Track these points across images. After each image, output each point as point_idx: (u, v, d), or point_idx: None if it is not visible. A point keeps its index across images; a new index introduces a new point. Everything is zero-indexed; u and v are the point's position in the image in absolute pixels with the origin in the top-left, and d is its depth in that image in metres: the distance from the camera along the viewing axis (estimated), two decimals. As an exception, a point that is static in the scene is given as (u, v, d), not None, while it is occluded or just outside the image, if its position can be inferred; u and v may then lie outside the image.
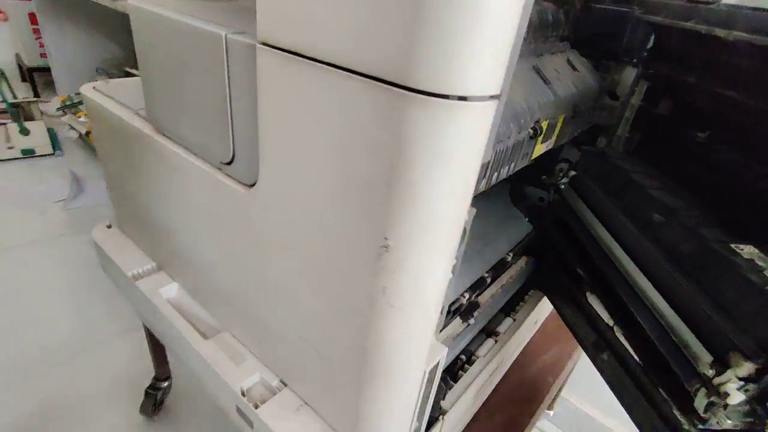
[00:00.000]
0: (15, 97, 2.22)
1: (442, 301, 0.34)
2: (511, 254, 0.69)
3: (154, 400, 1.00)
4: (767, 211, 0.46)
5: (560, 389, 1.01)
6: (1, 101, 2.06)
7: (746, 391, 0.33)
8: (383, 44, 0.24)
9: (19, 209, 1.68)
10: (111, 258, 0.64)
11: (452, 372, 0.62)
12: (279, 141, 0.34)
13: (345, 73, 0.26)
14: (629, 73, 0.66)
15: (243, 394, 0.48)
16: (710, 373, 0.35)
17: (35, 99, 2.30)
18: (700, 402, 0.35)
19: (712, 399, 0.34)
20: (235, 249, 0.45)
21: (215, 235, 0.47)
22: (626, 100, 0.68)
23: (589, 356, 0.62)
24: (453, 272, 0.36)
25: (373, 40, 0.24)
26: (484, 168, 0.37)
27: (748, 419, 0.35)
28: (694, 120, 0.59)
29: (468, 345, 0.66)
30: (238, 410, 0.49)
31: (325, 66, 0.27)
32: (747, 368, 0.33)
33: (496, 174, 0.43)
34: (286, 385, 0.49)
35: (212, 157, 0.43)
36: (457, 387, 0.59)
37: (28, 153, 2.00)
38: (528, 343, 0.86)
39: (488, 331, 0.69)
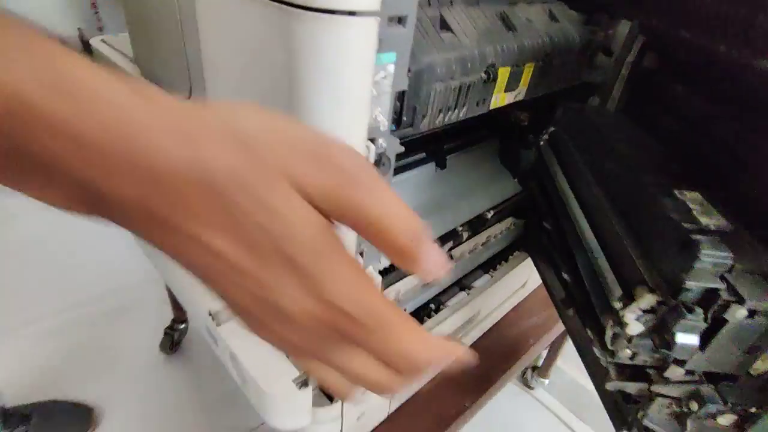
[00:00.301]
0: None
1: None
2: (492, 211, 0.70)
3: (171, 339, 1.10)
4: (734, 164, 0.45)
5: (554, 358, 1.01)
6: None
7: (645, 321, 0.34)
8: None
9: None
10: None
11: (418, 317, 0.64)
12: (216, 70, 0.37)
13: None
14: (624, 28, 0.64)
15: (210, 315, 0.53)
16: (618, 306, 0.35)
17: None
18: (608, 335, 0.36)
19: (615, 330, 0.35)
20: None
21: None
22: (620, 57, 0.66)
23: (559, 315, 0.63)
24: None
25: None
26: (404, 99, 0.38)
27: (656, 354, 0.36)
28: (679, 75, 0.57)
29: (439, 295, 0.68)
30: (207, 329, 0.54)
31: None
32: (649, 300, 0.34)
33: (439, 114, 0.44)
34: (249, 309, 0.54)
35: (179, 94, 0.47)
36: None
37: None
38: (517, 307, 0.86)
39: (462, 286, 0.70)
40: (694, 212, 0.37)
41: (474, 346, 0.76)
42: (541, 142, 0.65)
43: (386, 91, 0.33)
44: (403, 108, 0.39)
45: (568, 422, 1.03)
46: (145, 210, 0.15)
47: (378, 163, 0.38)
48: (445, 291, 0.69)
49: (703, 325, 0.32)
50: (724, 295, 0.31)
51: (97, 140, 0.14)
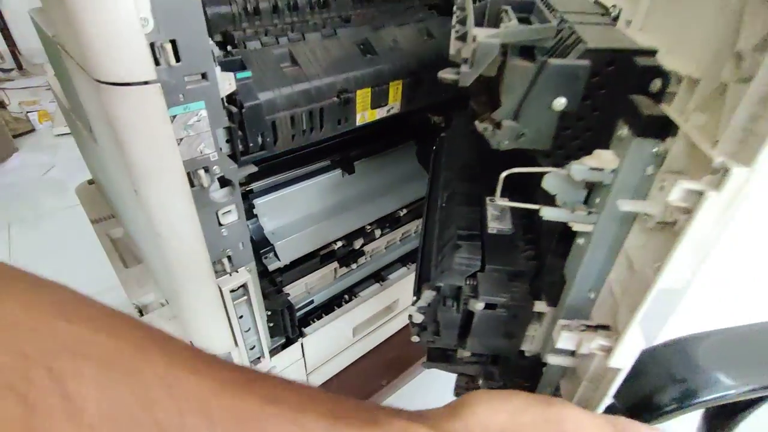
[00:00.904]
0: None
1: (200, 238, 0.45)
2: (404, 210, 0.76)
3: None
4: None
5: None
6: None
7: (423, 313, 0.41)
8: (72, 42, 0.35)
9: (86, 174, 2.02)
10: (84, 208, 0.83)
11: (330, 306, 0.72)
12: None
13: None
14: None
15: (137, 309, 0.64)
16: (413, 300, 0.42)
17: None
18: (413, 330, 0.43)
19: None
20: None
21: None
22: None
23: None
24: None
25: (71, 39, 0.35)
26: (237, 132, 0.46)
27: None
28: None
29: (354, 287, 0.76)
30: (137, 320, 0.65)
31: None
32: (427, 296, 0.40)
33: (293, 136, 0.51)
34: (168, 303, 0.64)
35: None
36: (327, 318, 0.70)
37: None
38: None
39: (378, 278, 0.78)
40: (489, 218, 0.44)
41: (397, 334, 0.83)
42: (434, 147, 0.71)
43: (205, 130, 0.41)
44: (246, 137, 0.47)
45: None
46: None
47: (223, 184, 0.46)
48: (359, 283, 0.76)
49: (458, 316, 0.39)
50: (466, 291, 0.37)
51: None
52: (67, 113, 0.70)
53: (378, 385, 0.76)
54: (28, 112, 2.42)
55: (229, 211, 0.47)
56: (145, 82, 0.35)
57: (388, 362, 0.79)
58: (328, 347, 0.73)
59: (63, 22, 0.36)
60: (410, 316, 0.42)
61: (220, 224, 0.47)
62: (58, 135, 2.32)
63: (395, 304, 0.80)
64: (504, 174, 0.30)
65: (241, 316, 0.55)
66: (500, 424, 0.24)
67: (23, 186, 1.94)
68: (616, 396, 0.31)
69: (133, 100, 0.35)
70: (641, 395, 0.33)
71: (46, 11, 0.54)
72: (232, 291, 0.51)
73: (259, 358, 0.61)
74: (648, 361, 0.30)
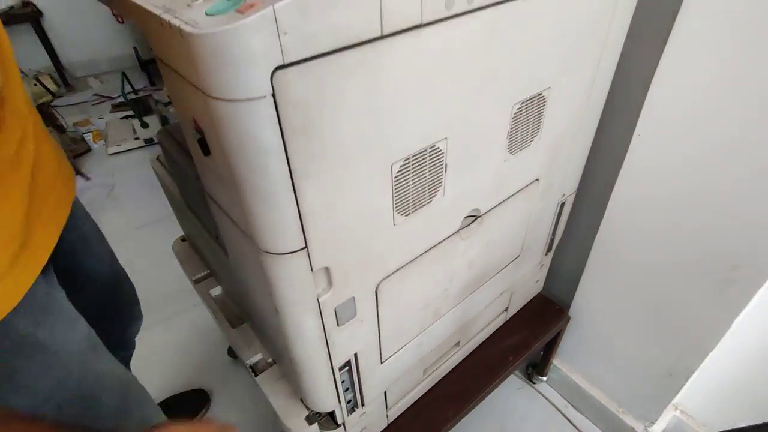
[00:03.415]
0: (136, 93, 2.73)
1: (323, 341, 0.56)
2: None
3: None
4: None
5: (550, 359, 1.17)
6: (122, 97, 2.55)
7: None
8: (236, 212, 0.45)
9: (147, 191, 2.18)
10: (183, 266, 0.96)
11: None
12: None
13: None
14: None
15: (251, 368, 0.76)
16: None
17: (148, 94, 2.79)
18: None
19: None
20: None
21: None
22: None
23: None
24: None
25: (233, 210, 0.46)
26: None
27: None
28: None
29: (423, 334, 0.86)
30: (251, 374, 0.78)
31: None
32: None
33: None
34: (275, 362, 0.76)
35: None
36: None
37: (149, 141, 2.50)
38: (499, 329, 1.03)
39: (443, 324, 0.88)
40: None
41: (459, 366, 0.94)
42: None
43: (330, 263, 0.52)
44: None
45: (563, 410, 1.20)
46: None
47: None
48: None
49: None
50: None
51: None
52: (179, 206, 0.80)
53: (446, 416, 0.88)
54: (83, 133, 2.58)
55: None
56: (295, 251, 0.45)
57: (454, 395, 0.90)
58: (404, 388, 0.85)
59: (229, 198, 0.47)
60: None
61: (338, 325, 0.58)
62: (112, 154, 2.47)
63: (463, 337, 0.91)
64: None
65: (343, 381, 0.67)
66: None
67: (92, 207, 2.11)
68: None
69: (289, 266, 0.45)
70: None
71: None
72: (340, 369, 0.63)
73: (353, 408, 0.73)
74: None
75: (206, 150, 0.43)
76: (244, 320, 0.83)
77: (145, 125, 2.49)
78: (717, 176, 0.70)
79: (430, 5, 0.40)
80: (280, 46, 0.33)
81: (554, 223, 0.92)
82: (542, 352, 1.18)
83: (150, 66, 3.23)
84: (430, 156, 0.52)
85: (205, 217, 0.67)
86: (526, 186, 0.73)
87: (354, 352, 0.63)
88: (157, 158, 0.88)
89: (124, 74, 2.57)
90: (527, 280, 1.00)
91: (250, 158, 0.38)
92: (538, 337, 1.00)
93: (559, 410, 1.20)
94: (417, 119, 0.47)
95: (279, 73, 0.34)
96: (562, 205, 0.89)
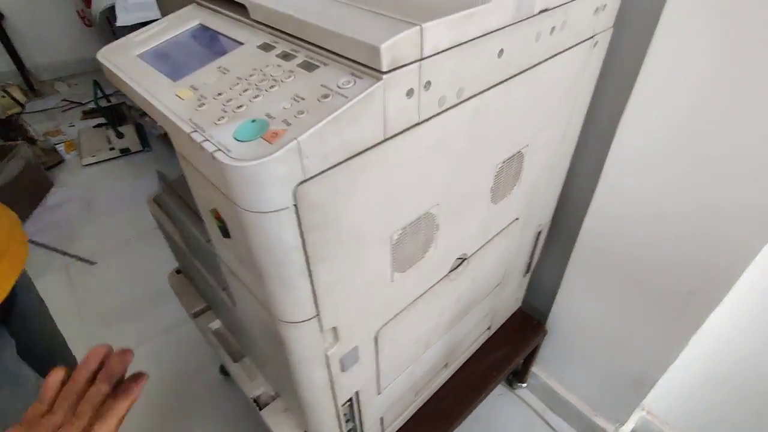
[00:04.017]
0: (108, 100, 2.67)
1: (329, 385, 0.61)
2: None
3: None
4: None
5: (529, 367, 1.26)
6: (94, 104, 2.51)
7: None
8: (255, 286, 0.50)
9: (127, 204, 2.16)
10: (180, 299, 0.99)
11: (398, 380, 0.90)
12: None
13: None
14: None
15: (254, 401, 0.81)
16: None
17: (121, 101, 2.74)
18: None
19: None
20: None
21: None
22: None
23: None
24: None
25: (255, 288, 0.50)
26: None
27: None
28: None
29: (414, 359, 0.93)
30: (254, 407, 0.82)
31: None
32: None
33: None
34: (278, 395, 0.81)
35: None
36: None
37: (125, 152, 2.47)
38: (482, 345, 1.10)
39: (432, 347, 0.95)
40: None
41: (446, 384, 1.01)
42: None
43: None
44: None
45: (542, 414, 1.29)
46: None
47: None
48: (418, 355, 0.93)
49: None
50: None
51: None
52: (180, 251, 0.83)
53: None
54: (55, 144, 2.52)
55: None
56: (308, 319, 0.50)
57: (444, 411, 0.97)
58: (397, 411, 0.91)
59: (246, 274, 0.51)
60: None
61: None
62: (87, 165, 2.43)
63: (451, 358, 0.98)
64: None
65: (345, 414, 0.72)
66: None
67: (70, 222, 2.08)
68: None
69: (301, 331, 0.50)
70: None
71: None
72: (343, 405, 0.69)
73: (354, 434, 0.79)
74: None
75: (226, 234, 0.48)
76: (245, 353, 0.88)
77: (120, 135, 2.46)
78: (673, 214, 0.78)
79: (426, 107, 0.46)
80: (302, 167, 0.38)
81: (532, 249, 0.99)
82: (522, 361, 1.26)
83: (121, 70, 3.15)
84: (424, 221, 0.57)
85: (210, 268, 0.71)
86: (508, 225, 0.80)
87: (356, 391, 0.69)
88: (154, 199, 0.90)
89: (96, 82, 2.51)
90: (508, 300, 1.08)
91: (272, 252, 0.42)
92: (518, 353, 1.08)
93: (538, 414, 1.30)
94: (413, 195, 0.53)
95: (300, 187, 0.39)
96: (539, 233, 0.97)
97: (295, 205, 0.39)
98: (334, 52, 0.43)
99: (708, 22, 0.62)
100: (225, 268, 0.59)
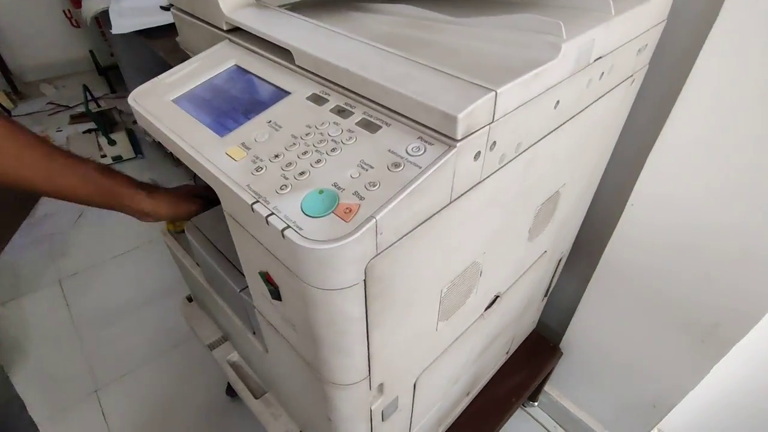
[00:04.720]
0: (98, 104, 2.59)
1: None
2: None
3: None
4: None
5: (543, 386, 1.26)
6: (82, 107, 2.42)
7: None
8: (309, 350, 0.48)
9: (118, 214, 2.09)
10: (194, 330, 0.96)
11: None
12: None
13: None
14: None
15: (279, 440, 0.79)
16: None
17: (112, 106, 2.66)
18: None
19: None
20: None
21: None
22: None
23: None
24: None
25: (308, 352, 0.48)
26: None
27: None
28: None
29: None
30: None
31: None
32: None
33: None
34: (304, 434, 0.79)
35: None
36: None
37: (117, 159, 2.39)
38: (500, 369, 1.09)
39: (455, 377, 0.94)
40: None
41: (465, 411, 1.00)
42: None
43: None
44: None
45: (552, 431, 1.30)
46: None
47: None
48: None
49: None
50: None
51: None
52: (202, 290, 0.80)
53: (459, 462, 0.94)
54: (43, 150, 2.43)
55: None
56: (359, 381, 0.48)
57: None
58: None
59: (293, 334, 0.49)
60: None
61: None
62: (78, 172, 2.35)
63: (473, 388, 0.97)
64: None
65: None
66: None
67: (60, 236, 2.01)
68: None
69: (351, 392, 0.48)
70: None
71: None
72: (378, 450, 0.67)
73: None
74: None
75: (277, 297, 0.45)
76: (267, 389, 0.85)
77: (112, 142, 2.39)
78: (702, 248, 0.78)
79: (488, 166, 0.44)
80: (376, 244, 0.36)
81: (552, 274, 0.98)
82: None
83: (110, 72, 3.07)
84: (470, 270, 0.56)
85: (238, 310, 0.68)
86: (538, 259, 0.79)
87: (391, 435, 0.67)
88: (168, 230, 0.87)
89: (85, 87, 2.43)
90: (526, 324, 1.07)
91: (334, 325, 0.40)
92: (536, 377, 1.07)
93: (547, 429, 1.30)
94: (464, 249, 0.51)
95: (370, 263, 0.37)
96: (560, 259, 0.96)
97: (363, 281, 0.37)
98: (394, 111, 0.41)
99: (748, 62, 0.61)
100: (261, 319, 0.57)
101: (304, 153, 0.40)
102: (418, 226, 0.40)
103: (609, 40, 0.51)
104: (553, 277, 1.00)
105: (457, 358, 0.72)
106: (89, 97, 2.40)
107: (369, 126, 0.41)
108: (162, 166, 2.38)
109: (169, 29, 1.50)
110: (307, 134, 0.42)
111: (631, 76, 0.65)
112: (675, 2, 0.64)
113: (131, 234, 1.97)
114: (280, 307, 0.47)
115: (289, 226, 0.35)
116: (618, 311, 0.99)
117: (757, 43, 0.59)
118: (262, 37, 0.52)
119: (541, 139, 0.51)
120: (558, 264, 0.97)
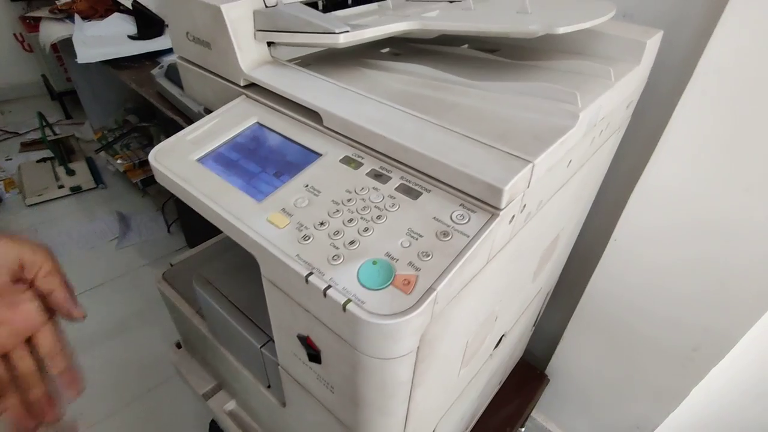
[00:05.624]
0: (54, 132, 2.46)
1: None
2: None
3: None
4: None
5: (530, 411, 1.29)
6: (35, 134, 2.30)
7: None
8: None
9: (81, 250, 1.98)
10: (186, 379, 0.92)
11: None
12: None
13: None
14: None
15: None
16: None
17: (70, 134, 2.53)
18: None
19: None
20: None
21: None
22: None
23: None
24: None
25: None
26: None
27: None
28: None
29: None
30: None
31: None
32: None
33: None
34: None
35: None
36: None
37: (76, 190, 2.27)
38: (493, 399, 1.12)
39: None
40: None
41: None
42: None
43: None
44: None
45: (541, 456, 1.33)
46: None
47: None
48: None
49: None
50: None
51: None
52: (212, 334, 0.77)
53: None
54: (-8, 182, 2.27)
55: None
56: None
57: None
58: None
59: (328, 395, 0.49)
60: None
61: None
62: (31, 205, 2.22)
63: (471, 420, 0.98)
64: None
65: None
66: None
67: (15, 274, 1.87)
68: None
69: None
70: None
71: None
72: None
73: None
74: None
75: (316, 361, 0.45)
76: (269, 439, 0.83)
77: (71, 172, 2.27)
78: (681, 279, 0.84)
79: (517, 225, 0.46)
80: (432, 313, 0.37)
81: (541, 308, 1.02)
82: (521, 407, 1.29)
83: (65, 97, 2.93)
84: (489, 318, 0.58)
85: (250, 364, 0.66)
86: (535, 296, 0.82)
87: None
88: (163, 277, 0.84)
89: (40, 114, 2.31)
90: (516, 354, 1.10)
91: (383, 389, 0.41)
92: (527, 405, 1.10)
93: (536, 455, 1.33)
94: (488, 301, 0.53)
95: (425, 330, 0.38)
96: (548, 293, 1.01)
97: (417, 347, 0.38)
98: (433, 177, 0.43)
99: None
100: (286, 377, 0.56)
101: (350, 221, 0.41)
102: (462, 289, 0.41)
103: (611, 103, 0.56)
104: (541, 309, 1.05)
105: (467, 397, 0.73)
106: (44, 124, 2.28)
107: (409, 192, 0.43)
108: (127, 197, 2.28)
109: (138, 59, 1.46)
110: (348, 200, 0.43)
111: (619, 126, 0.71)
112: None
113: (100, 269, 1.87)
114: (317, 369, 0.47)
115: (350, 300, 0.35)
116: (601, 338, 1.04)
117: (733, 89, 0.66)
118: (286, 97, 0.53)
119: (555, 193, 0.54)
120: (546, 296, 1.01)
